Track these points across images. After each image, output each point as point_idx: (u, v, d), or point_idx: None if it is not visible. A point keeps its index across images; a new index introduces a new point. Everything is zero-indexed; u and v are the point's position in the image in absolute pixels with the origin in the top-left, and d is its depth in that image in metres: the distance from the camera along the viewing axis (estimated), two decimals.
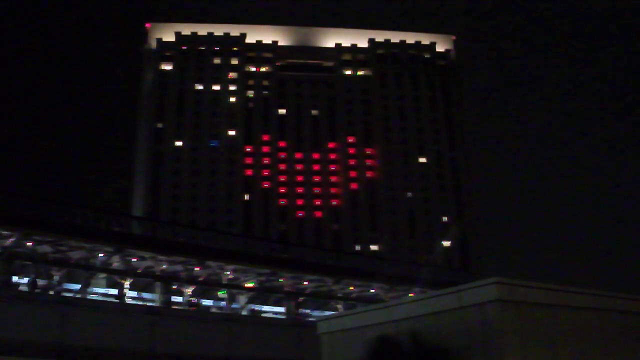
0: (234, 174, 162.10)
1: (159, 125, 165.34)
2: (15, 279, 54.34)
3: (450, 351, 25.13)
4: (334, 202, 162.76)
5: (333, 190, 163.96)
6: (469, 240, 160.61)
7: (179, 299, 62.77)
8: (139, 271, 60.23)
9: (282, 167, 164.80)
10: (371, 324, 30.30)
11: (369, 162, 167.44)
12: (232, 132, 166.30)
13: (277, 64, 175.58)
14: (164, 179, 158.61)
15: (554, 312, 26.33)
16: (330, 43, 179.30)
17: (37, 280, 54.91)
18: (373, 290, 72.20)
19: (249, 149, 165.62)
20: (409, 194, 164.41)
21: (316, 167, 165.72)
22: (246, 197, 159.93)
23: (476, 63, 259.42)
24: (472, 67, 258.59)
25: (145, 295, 62.21)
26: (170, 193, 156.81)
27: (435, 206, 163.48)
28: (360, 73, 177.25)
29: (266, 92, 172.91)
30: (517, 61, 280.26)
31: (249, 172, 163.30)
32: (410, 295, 64.40)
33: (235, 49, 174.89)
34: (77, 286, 58.55)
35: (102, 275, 59.73)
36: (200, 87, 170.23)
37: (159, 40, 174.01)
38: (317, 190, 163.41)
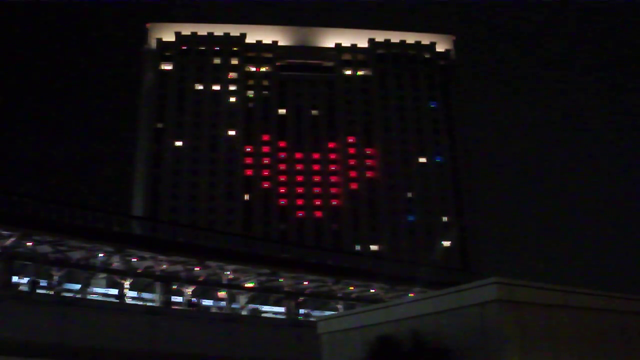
0: (234, 174, 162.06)
1: (159, 125, 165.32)
2: (15, 279, 54.33)
3: (450, 351, 25.13)
4: (334, 202, 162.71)
5: (333, 190, 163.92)
6: (469, 240, 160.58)
7: (179, 299, 62.77)
8: (139, 271, 60.26)
9: (282, 167, 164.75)
10: (371, 324, 30.29)
11: (369, 162, 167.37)
12: (232, 132, 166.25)
13: (277, 64, 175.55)
14: (164, 179, 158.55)
15: (554, 312, 26.33)
16: (330, 43, 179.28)
17: (37, 280, 54.86)
18: (373, 290, 72.27)
19: (249, 149, 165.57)
20: (409, 194, 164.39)
21: (316, 167, 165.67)
22: (246, 197, 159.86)
23: (476, 63, 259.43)
24: (472, 67, 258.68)
25: (145, 295, 62.23)
26: (170, 193, 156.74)
27: (435, 206, 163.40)
28: (360, 73, 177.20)
29: (266, 92, 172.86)
30: (517, 61, 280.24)
31: (249, 172, 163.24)
32: (410, 295, 64.38)
33: (235, 49, 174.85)
34: (77, 286, 58.59)
35: (102, 275, 59.74)
36: (200, 87, 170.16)
37: (159, 40, 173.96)
38: (317, 190, 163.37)
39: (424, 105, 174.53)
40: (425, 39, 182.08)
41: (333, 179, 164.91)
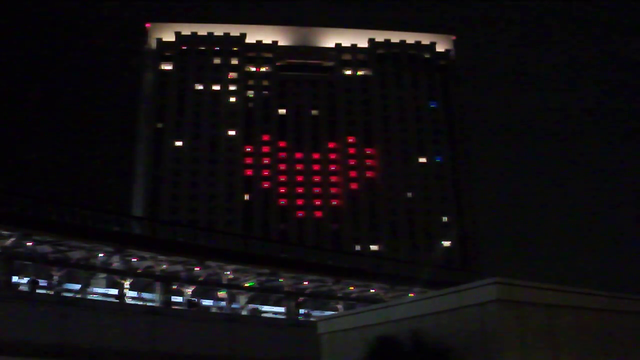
0: (234, 174, 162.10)
1: (159, 125, 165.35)
2: (15, 279, 54.29)
3: (450, 351, 25.12)
4: (334, 202, 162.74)
5: (333, 190, 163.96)
6: (469, 240, 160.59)
7: (179, 299, 62.72)
8: (139, 271, 60.19)
9: (282, 167, 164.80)
10: (371, 324, 30.29)
11: (369, 162, 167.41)
12: (232, 132, 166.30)
13: (277, 64, 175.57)
14: (164, 179, 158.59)
15: (554, 312, 26.32)
16: (330, 43, 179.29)
17: (37, 280, 54.81)
18: (373, 290, 72.19)
19: (249, 149, 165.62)
20: (409, 194, 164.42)
21: (316, 167, 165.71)
22: (246, 197, 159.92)
23: (476, 63, 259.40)
24: (472, 67, 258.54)
25: (145, 295, 62.16)
26: (170, 193, 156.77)
27: (435, 206, 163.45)
28: (360, 73, 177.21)
29: (266, 92, 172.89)
30: (517, 61, 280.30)
31: (249, 172, 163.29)
32: (410, 295, 64.32)
33: (235, 49, 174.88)
34: (77, 286, 58.52)
35: (102, 275, 59.68)
36: (200, 87, 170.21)
37: (159, 40, 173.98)
38: (317, 190, 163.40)
39: (424, 105, 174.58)
40: (425, 39, 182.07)
41: (333, 179, 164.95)
